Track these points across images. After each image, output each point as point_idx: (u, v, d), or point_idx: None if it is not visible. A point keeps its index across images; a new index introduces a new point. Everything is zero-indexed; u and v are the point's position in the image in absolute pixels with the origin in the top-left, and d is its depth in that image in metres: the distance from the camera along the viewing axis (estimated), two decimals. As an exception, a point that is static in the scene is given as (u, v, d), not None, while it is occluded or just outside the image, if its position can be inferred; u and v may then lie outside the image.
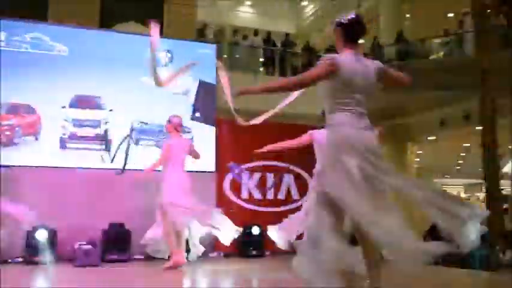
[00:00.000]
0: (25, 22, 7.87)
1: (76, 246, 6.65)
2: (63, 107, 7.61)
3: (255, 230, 8.10)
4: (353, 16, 3.21)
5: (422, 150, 18.16)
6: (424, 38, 14.76)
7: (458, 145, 17.13)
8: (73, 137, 7.61)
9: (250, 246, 8.02)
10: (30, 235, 6.82)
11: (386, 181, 2.97)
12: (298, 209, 8.76)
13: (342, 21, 3.21)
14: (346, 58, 3.12)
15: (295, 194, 8.91)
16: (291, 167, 8.89)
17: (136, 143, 7.91)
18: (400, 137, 15.52)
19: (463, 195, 26.29)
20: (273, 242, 8.08)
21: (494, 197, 9.29)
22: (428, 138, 16.34)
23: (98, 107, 7.82)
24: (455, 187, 26.66)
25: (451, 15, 15.50)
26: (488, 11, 10.62)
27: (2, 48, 7.50)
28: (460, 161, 21.05)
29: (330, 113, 3.13)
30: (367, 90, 3.13)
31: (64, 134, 7.57)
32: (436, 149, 18.03)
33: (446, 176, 25.63)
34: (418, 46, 14.44)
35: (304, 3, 18.85)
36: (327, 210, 2.98)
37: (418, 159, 18.59)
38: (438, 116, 14.28)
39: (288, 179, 8.89)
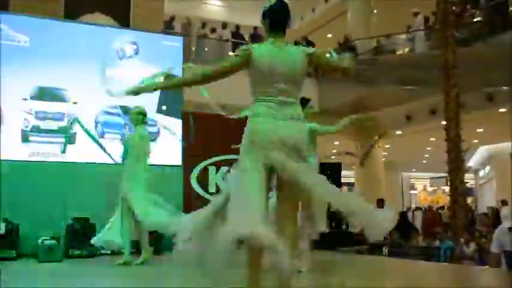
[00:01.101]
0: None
1: (39, 241, 6.50)
2: (25, 99, 7.41)
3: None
4: (273, 3, 3.09)
5: (389, 145, 18.41)
6: (390, 34, 14.96)
7: (425, 139, 17.41)
8: (36, 129, 7.42)
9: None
10: (-11, 230, 6.64)
11: (298, 178, 2.86)
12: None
13: (267, 6, 3.11)
14: (263, 47, 3.03)
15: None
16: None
17: (102, 136, 7.76)
18: (367, 132, 15.69)
19: (429, 188, 26.79)
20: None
21: (458, 190, 9.45)
22: (396, 132, 16.57)
23: (62, 99, 7.64)
24: (421, 181, 27.15)
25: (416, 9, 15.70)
26: (453, 8, 10.78)
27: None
28: (426, 155, 21.41)
29: (251, 103, 3.04)
30: (291, 79, 2.99)
31: (26, 127, 7.37)
32: (403, 144, 18.30)
33: (413, 169, 26.08)
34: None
35: (273, -3, 18.83)
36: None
37: (386, 153, 18.85)
38: (405, 110, 14.50)
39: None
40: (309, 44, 12.69)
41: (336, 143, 17.33)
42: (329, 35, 18.13)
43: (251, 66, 2.99)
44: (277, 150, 2.86)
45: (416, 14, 14.41)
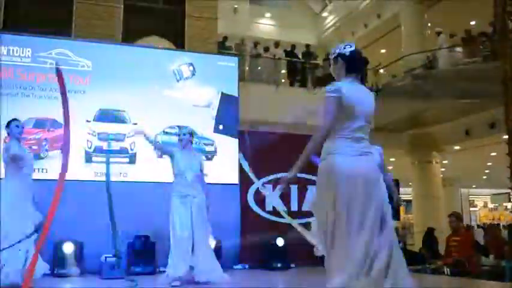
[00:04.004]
0: (50, 38, 8.00)
1: (102, 259, 6.69)
2: (88, 121, 7.70)
3: (280, 242, 8.04)
4: (353, 49, 3.35)
5: (447, 160, 17.92)
6: (446, 47, 14.64)
7: (485, 154, 16.86)
8: (98, 150, 7.68)
9: (274, 259, 7.95)
10: (57, 248, 6.88)
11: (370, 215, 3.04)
12: (322, 220, 8.74)
13: (343, 52, 3.35)
14: (348, 86, 3.25)
15: (319, 205, 8.81)
16: (315, 178, 8.83)
17: (161, 155, 7.94)
18: (424, 147, 15.36)
19: (490, 205, 25.84)
20: (297, 254, 8.06)
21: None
22: (454, 147, 16.13)
23: (122, 120, 7.89)
24: (481, 197, 26.23)
25: (473, 23, 15.35)
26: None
27: (28, 64, 7.65)
28: (486, 171, 20.71)
29: (328, 138, 3.23)
30: (368, 117, 3.27)
31: (89, 148, 7.65)
32: (461, 159, 17.78)
33: (473, 186, 25.24)
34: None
35: (325, 14, 18.86)
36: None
37: (444, 169, 18.35)
38: (463, 125, 14.10)
39: (312, 191, 8.81)
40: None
41: (392, 159, 17.04)
42: (382, 50, 17.95)
43: (340, 102, 3.18)
44: (357, 187, 3.06)
45: (438, 34, 14.21)
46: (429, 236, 11.80)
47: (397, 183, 10.42)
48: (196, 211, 5.88)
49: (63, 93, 4.08)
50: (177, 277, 5.67)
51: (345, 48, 3.36)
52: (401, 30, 16.28)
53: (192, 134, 6.21)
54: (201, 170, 6.09)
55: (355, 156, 3.15)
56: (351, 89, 3.23)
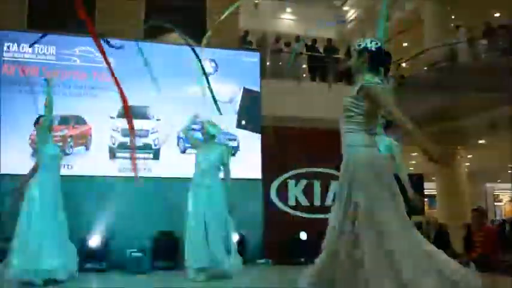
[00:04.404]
0: (74, 36, 8.08)
1: (127, 254, 6.77)
2: (112, 117, 7.77)
3: (303, 237, 8.04)
4: (379, 45, 3.37)
5: (472, 155, 17.67)
6: (468, 40, 14.41)
7: (510, 148, 16.57)
8: (122, 146, 7.76)
9: (298, 254, 7.95)
10: (83, 243, 6.97)
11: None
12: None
13: (369, 47, 3.35)
14: (375, 82, 3.29)
15: (342, 200, 8.78)
16: (338, 173, 8.80)
17: (184, 151, 8.00)
18: (448, 141, 15.16)
19: (515, 199, 25.46)
20: (321, 249, 8.02)
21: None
22: (479, 141, 15.90)
23: (146, 116, 7.95)
24: (507, 191, 25.84)
25: (497, 15, 15.09)
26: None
27: (52, 61, 7.74)
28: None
29: (352, 131, 3.27)
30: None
31: (113, 144, 7.73)
32: (486, 153, 17.51)
33: (497, 180, 24.86)
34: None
35: (346, 8, 18.72)
36: None
37: (468, 164, 18.11)
38: (488, 118, 13.88)
39: (335, 185, 8.77)
40: (386, 54, 12.46)
41: (414, 154, 16.86)
42: (405, 44, 17.75)
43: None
44: (374, 181, 3.15)
45: (458, 27, 13.98)
46: (441, 231, 11.65)
47: (420, 178, 10.34)
48: (208, 201, 5.88)
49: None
50: (198, 268, 5.67)
51: (371, 42, 3.35)
52: (423, 23, 16.08)
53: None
54: (224, 163, 6.06)
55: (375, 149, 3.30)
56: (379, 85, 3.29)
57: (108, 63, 4.44)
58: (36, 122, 5.83)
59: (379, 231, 3.02)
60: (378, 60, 3.35)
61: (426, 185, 16.33)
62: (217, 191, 5.92)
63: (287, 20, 18.35)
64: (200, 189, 5.91)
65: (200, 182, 5.93)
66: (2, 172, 7.11)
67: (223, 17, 7.17)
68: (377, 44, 3.36)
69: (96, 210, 7.30)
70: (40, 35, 7.72)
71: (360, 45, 3.38)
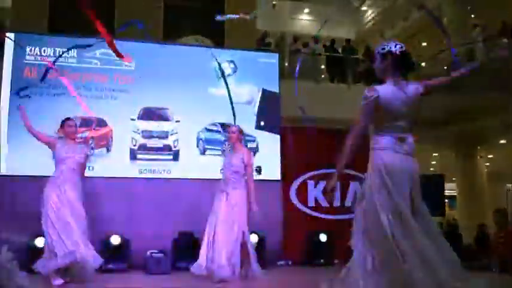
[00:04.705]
0: (94, 39, 8.16)
1: (148, 254, 6.82)
2: (133, 119, 7.84)
3: (323, 238, 8.02)
4: (404, 48, 3.37)
5: (492, 155, 17.46)
6: (488, 38, 14.23)
7: (532, 148, 16.35)
8: (142, 147, 7.82)
9: (318, 255, 7.94)
10: (105, 244, 7.04)
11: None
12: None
13: (394, 51, 3.36)
14: (387, 88, 3.33)
15: (362, 201, 8.74)
16: (359, 175, 8.77)
17: (203, 152, 8.04)
18: (469, 141, 15.01)
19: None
20: (341, 250, 8.00)
21: None
22: (500, 141, 15.70)
23: (166, 118, 8.01)
24: (528, 193, 25.45)
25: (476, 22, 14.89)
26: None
27: (73, 64, 7.84)
28: (533, 166, 20.07)
29: (373, 136, 3.37)
30: (409, 116, 3.34)
31: (134, 145, 7.80)
32: (507, 153, 17.28)
33: (519, 181, 24.50)
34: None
35: (364, 8, 18.64)
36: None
37: (489, 164, 17.89)
38: (509, 118, 13.69)
39: (355, 187, 8.75)
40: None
41: (435, 154, 16.73)
42: (424, 44, 17.61)
43: (375, 105, 3.29)
44: (403, 183, 3.20)
45: (475, 26, 13.79)
46: (482, 232, 11.53)
47: (441, 178, 10.25)
48: (226, 207, 5.86)
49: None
50: (200, 273, 5.73)
51: (395, 46, 3.37)
52: (444, 20, 15.93)
53: (240, 131, 6.22)
54: (246, 166, 6.07)
55: (398, 154, 3.29)
56: (389, 90, 3.32)
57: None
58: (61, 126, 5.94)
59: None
60: (402, 63, 3.36)
61: (446, 185, 16.18)
62: (238, 198, 5.93)
63: (305, 21, 18.33)
64: (222, 195, 5.98)
65: (222, 188, 6.02)
66: (26, 174, 7.20)
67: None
68: (402, 47, 3.36)
69: (117, 211, 7.38)
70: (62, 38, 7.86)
71: (384, 48, 3.39)
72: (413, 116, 3.37)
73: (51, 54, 7.78)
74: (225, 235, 5.72)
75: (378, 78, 3.49)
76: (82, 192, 5.77)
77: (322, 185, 8.60)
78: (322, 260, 7.91)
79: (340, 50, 13.47)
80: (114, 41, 6.53)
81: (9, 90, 7.52)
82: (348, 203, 8.68)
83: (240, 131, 6.20)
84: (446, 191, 15.67)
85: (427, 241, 3.06)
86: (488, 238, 11.53)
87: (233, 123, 6.97)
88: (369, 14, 18.62)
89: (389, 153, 3.26)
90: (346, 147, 3.36)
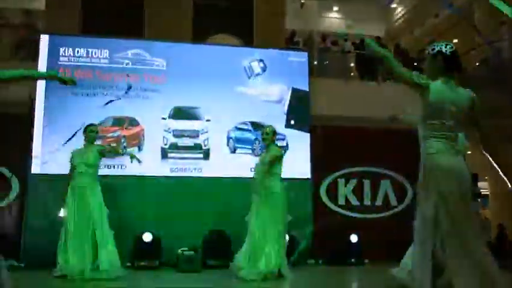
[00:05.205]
0: (126, 39, 8.28)
1: (179, 252, 6.88)
2: (164, 118, 7.92)
3: (353, 238, 7.97)
4: (454, 48, 3.36)
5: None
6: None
7: None
8: (174, 146, 7.90)
9: (348, 254, 7.90)
10: (137, 241, 7.14)
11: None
12: (396, 215, 8.59)
13: (444, 51, 3.35)
14: (438, 85, 3.30)
15: (393, 200, 8.68)
16: (389, 173, 8.72)
17: (233, 151, 8.07)
18: (502, 139, 14.70)
19: None
20: (372, 250, 7.96)
21: None
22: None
23: (196, 117, 8.07)
24: None
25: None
26: None
27: (106, 65, 7.96)
28: None
29: (424, 138, 3.33)
30: (458, 117, 3.30)
31: (165, 144, 7.88)
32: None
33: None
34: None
35: (393, 5, 18.43)
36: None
37: (524, 163, 17.49)
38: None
39: (386, 185, 8.68)
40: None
41: (468, 152, 16.41)
42: (455, 40, 17.32)
43: (424, 98, 3.28)
44: (453, 186, 3.16)
45: (502, 24, 13.46)
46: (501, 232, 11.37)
47: (475, 177, 10.09)
48: (260, 207, 5.91)
49: None
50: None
51: (446, 46, 3.36)
52: (474, 18, 15.65)
53: (274, 132, 6.24)
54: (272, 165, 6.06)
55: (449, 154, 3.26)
56: (441, 88, 3.30)
57: None
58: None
59: None
60: (453, 63, 3.35)
61: (479, 184, 15.91)
62: (271, 197, 5.97)
63: (334, 19, 18.22)
64: (256, 194, 6.04)
65: (256, 189, 6.08)
66: (58, 172, 7.32)
67: None
68: (452, 47, 3.36)
69: (149, 210, 7.47)
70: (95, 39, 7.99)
71: (434, 49, 3.39)
72: (462, 118, 3.34)
73: (84, 55, 7.92)
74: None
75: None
76: None
77: (352, 183, 8.56)
78: (352, 260, 7.86)
79: (369, 48, 13.32)
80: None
81: (44, 91, 7.66)
82: (378, 201, 8.61)
83: (274, 132, 6.21)
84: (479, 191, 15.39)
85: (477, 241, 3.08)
86: (507, 237, 11.35)
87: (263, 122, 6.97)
88: (399, 11, 18.39)
89: (439, 154, 3.24)
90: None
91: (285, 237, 6.08)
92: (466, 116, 3.36)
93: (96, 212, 5.90)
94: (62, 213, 6.04)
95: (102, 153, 6.24)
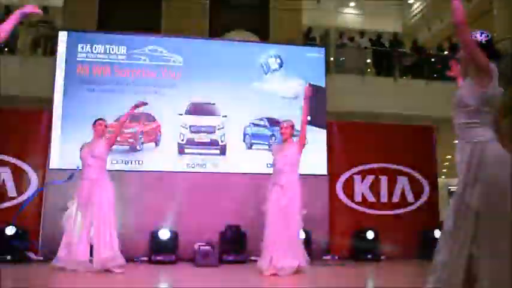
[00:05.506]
0: (143, 36, 8.33)
1: (196, 247, 6.93)
2: (180, 114, 7.96)
3: (370, 234, 7.95)
4: (490, 37, 3.23)
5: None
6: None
7: None
8: (190, 142, 7.94)
9: (365, 250, 7.88)
10: (154, 236, 7.20)
11: None
12: (413, 212, 8.55)
13: (479, 40, 3.21)
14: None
15: (409, 196, 8.63)
16: (406, 169, 8.66)
17: (250, 147, 8.09)
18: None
19: None
20: (388, 246, 7.94)
21: None
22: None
23: (213, 113, 8.10)
24: None
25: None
26: None
27: (123, 61, 8.02)
28: None
29: (469, 125, 3.13)
30: (496, 106, 3.18)
31: (182, 140, 7.92)
32: None
33: None
34: None
35: (410, 1, 18.29)
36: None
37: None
38: None
39: (403, 182, 8.63)
40: (454, 46, 12.13)
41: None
42: (474, 36, 17.11)
43: (488, 85, 3.10)
44: (503, 177, 2.98)
45: None
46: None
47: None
48: (283, 201, 5.88)
49: None
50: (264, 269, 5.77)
51: (481, 35, 3.24)
52: (493, 13, 15.45)
53: (292, 127, 6.23)
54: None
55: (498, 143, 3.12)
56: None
57: None
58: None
59: None
60: (489, 52, 3.19)
61: None
62: (293, 191, 5.95)
63: (351, 15, 18.13)
64: (275, 188, 5.98)
65: (276, 182, 6.00)
66: (75, 167, 7.38)
67: None
68: (487, 36, 3.24)
69: (165, 204, 7.52)
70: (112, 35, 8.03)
71: None
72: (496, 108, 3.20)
73: (102, 51, 7.99)
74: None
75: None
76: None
77: (369, 179, 8.52)
78: (369, 256, 7.84)
79: (387, 44, 13.26)
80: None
81: (62, 87, 7.76)
82: (395, 198, 8.57)
83: (292, 126, 6.21)
84: None
85: None
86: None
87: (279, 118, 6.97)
88: (416, 6, 18.24)
89: (492, 142, 3.08)
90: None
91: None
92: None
93: (103, 205, 5.91)
94: (69, 204, 6.06)
95: (110, 143, 6.27)
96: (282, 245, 5.75)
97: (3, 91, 7.27)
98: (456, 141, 3.26)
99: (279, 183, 5.94)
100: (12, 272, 5.74)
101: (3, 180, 7.44)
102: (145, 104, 6.42)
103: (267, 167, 7.41)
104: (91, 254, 5.82)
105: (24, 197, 7.44)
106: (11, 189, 7.44)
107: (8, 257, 6.73)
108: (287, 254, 5.73)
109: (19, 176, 7.51)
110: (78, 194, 5.97)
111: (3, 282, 5.26)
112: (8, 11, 10.77)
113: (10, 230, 6.95)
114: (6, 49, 10.22)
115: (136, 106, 6.37)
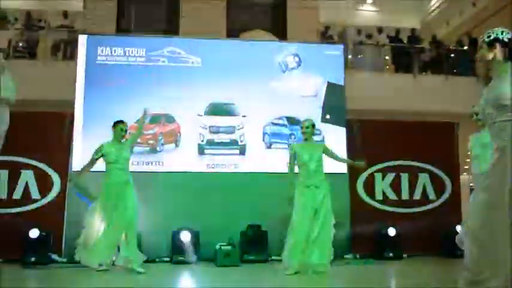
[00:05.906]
0: (161, 37, 8.39)
1: (217, 247, 6.95)
2: (200, 115, 8.00)
3: (391, 232, 7.90)
4: (511, 35, 3.17)
5: None
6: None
7: None
8: (210, 143, 7.97)
9: (386, 248, 7.83)
10: (175, 236, 7.25)
11: None
12: (434, 210, 8.47)
13: (502, 38, 3.16)
14: None
15: (431, 194, 8.55)
16: (427, 166, 8.59)
17: (269, 146, 8.10)
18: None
19: None
20: (410, 244, 7.88)
21: None
22: None
23: (232, 113, 8.12)
24: None
25: None
26: None
27: (142, 63, 8.08)
28: None
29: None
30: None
31: (202, 141, 7.96)
32: None
33: None
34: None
35: (429, -4, 18.10)
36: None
37: None
38: None
39: (424, 179, 8.56)
40: (473, 41, 11.97)
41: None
42: (496, 28, 16.84)
43: None
44: None
45: None
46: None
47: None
48: (319, 201, 5.88)
49: None
50: (290, 267, 5.75)
51: (502, 33, 3.18)
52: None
53: (313, 126, 6.19)
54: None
55: None
56: None
57: None
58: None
59: None
60: (511, 51, 3.16)
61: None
62: (327, 189, 6.02)
63: (368, 12, 18.01)
64: (310, 189, 5.95)
65: (309, 183, 5.97)
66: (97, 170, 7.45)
67: None
68: (508, 33, 3.19)
69: (186, 205, 7.56)
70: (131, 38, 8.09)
71: (489, 36, 3.20)
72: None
73: (121, 53, 8.06)
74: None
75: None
76: None
77: (389, 177, 8.47)
78: (391, 254, 7.79)
79: (405, 40, 13.15)
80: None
81: (83, 89, 7.84)
82: (416, 195, 8.50)
83: (313, 126, 6.18)
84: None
85: None
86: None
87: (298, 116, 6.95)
88: (434, 1, 18.04)
89: None
90: None
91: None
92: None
93: (127, 207, 5.95)
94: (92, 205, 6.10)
95: (132, 143, 6.33)
96: (311, 243, 5.75)
97: (25, 95, 7.34)
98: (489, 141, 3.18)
99: (314, 184, 5.93)
100: (35, 274, 5.83)
101: (27, 183, 7.56)
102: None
103: (287, 166, 7.38)
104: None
105: (48, 199, 7.55)
106: (34, 192, 7.56)
107: (32, 259, 6.83)
108: (314, 251, 5.74)
109: (42, 178, 7.61)
110: (101, 195, 6.02)
111: (28, 283, 5.36)
112: (29, 17, 10.94)
113: (34, 233, 7.05)
114: (27, 54, 10.37)
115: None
